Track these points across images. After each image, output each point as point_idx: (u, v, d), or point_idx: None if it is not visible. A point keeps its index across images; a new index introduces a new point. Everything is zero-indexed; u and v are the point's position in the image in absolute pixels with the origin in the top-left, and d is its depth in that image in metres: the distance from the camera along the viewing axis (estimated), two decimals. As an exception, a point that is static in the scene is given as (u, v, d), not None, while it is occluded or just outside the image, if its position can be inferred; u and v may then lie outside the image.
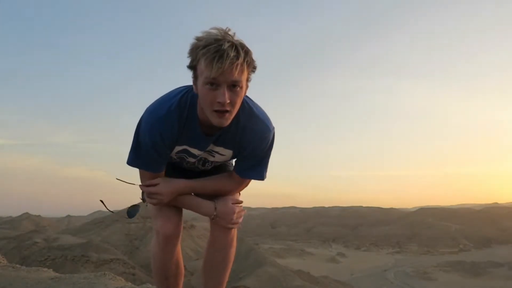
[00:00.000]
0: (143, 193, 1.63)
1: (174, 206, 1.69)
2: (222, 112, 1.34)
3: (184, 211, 1.75)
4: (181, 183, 1.59)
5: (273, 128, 1.55)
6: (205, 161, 1.65)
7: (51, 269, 3.28)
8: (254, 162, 1.58)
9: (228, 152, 1.59)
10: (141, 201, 1.67)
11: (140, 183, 1.62)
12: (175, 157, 1.62)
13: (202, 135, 1.50)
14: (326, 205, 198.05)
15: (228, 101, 1.32)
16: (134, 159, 1.53)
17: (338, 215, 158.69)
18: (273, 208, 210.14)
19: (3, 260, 3.51)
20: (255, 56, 1.34)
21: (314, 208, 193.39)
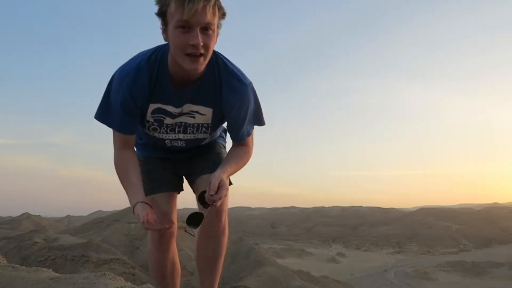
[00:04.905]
0: (203, 200, 1.43)
1: (167, 204, 1.68)
2: (195, 56, 1.29)
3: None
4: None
5: (250, 83, 1.49)
6: (186, 126, 1.56)
7: (51, 269, 3.27)
8: (247, 121, 1.53)
9: (208, 111, 1.52)
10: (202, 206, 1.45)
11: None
12: (152, 121, 1.53)
13: (174, 90, 1.44)
14: (326, 205, 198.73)
15: (201, 44, 1.27)
16: (102, 115, 1.49)
17: (338, 215, 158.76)
18: (273, 208, 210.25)
19: (3, 260, 3.50)
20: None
21: (314, 208, 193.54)
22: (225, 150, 1.80)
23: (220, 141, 1.82)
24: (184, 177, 1.81)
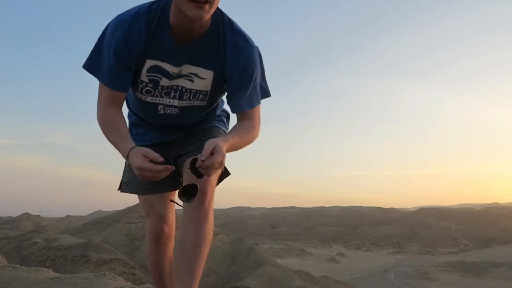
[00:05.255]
0: (195, 169, 1.20)
1: (166, 204, 1.61)
2: (200, 2, 1.18)
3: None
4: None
5: (256, 47, 1.37)
6: (182, 91, 1.40)
7: (51, 269, 3.26)
8: (252, 87, 1.38)
9: (208, 75, 1.37)
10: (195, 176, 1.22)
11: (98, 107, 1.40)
12: (146, 81, 1.38)
13: (175, 45, 1.31)
14: (326, 205, 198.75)
15: None
16: (91, 65, 1.33)
17: (338, 215, 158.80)
18: (273, 208, 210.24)
19: (3, 260, 3.49)
20: None
21: (314, 208, 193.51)
22: None
23: (220, 125, 1.64)
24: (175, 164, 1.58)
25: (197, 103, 1.45)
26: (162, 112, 1.46)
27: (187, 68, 1.35)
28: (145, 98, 1.43)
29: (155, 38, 1.30)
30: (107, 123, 1.34)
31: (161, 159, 1.19)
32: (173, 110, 1.45)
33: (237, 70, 1.33)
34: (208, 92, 1.42)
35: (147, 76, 1.36)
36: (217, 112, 1.63)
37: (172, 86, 1.39)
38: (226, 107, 1.56)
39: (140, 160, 1.18)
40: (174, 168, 1.19)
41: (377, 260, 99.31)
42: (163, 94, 1.41)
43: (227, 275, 42.29)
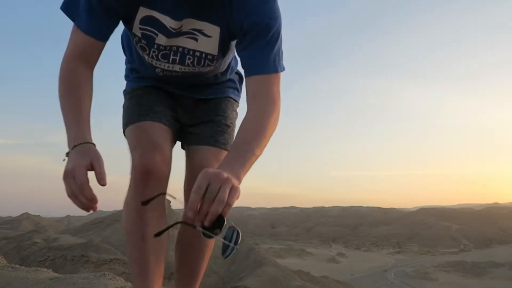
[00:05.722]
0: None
1: (158, 133, 1.19)
2: None
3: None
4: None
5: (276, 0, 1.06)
6: (183, 53, 1.13)
7: (51, 269, 3.25)
8: (269, 46, 1.05)
9: (215, 31, 1.09)
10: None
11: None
12: (139, 35, 1.11)
13: None
14: (326, 205, 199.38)
15: None
16: (69, 5, 1.04)
17: (338, 215, 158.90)
18: (273, 208, 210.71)
19: (3, 260, 3.49)
20: None
21: (314, 208, 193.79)
22: (235, 122, 1.36)
23: (234, 95, 1.39)
24: (181, 134, 1.34)
25: (203, 69, 1.18)
26: (161, 74, 1.22)
27: (189, 23, 1.07)
28: (142, 54, 1.18)
29: None
30: (69, 87, 1.02)
31: (103, 183, 0.87)
32: (174, 73, 1.20)
33: (247, 22, 1.03)
34: (216, 56, 1.15)
35: (140, 29, 1.09)
36: (229, 76, 1.36)
37: (171, 46, 1.12)
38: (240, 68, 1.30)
39: (80, 166, 0.87)
40: (97, 209, 0.89)
41: (377, 260, 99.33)
42: (160, 57, 1.15)
43: (227, 275, 42.30)
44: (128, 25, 1.10)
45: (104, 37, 1.05)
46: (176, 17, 1.05)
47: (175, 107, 1.31)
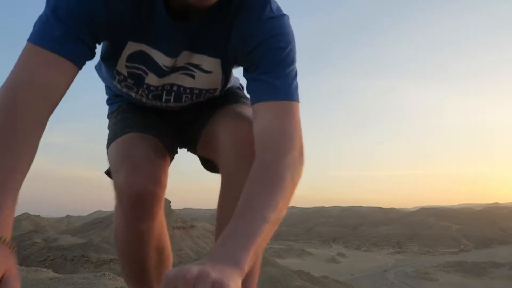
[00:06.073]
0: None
1: (145, 150, 0.94)
2: None
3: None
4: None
5: (286, 15, 0.86)
6: (179, 92, 0.95)
7: (51, 269, 3.25)
8: (275, 69, 0.82)
9: (214, 65, 0.90)
10: None
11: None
12: (124, 74, 0.91)
13: (171, 24, 0.81)
14: (326, 205, 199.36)
15: None
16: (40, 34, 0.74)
17: (338, 215, 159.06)
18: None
19: (2, 260, 3.48)
20: None
21: (314, 208, 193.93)
22: (246, 104, 1.04)
23: (239, 91, 1.15)
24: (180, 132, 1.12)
25: (202, 99, 1.00)
26: (152, 104, 1.02)
27: (185, 57, 0.89)
28: (127, 91, 0.98)
29: (142, 11, 0.81)
30: (1, 131, 0.65)
31: None
32: (169, 108, 1.03)
33: (251, 44, 0.83)
34: (217, 89, 0.98)
35: (127, 67, 0.89)
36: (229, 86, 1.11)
37: (163, 85, 0.94)
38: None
39: None
40: None
41: (377, 260, 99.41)
42: (150, 97, 0.97)
43: (227, 275, 42.29)
44: (110, 61, 0.90)
45: (81, 61, 0.77)
46: (170, 52, 0.86)
47: (169, 119, 1.08)
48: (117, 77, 0.93)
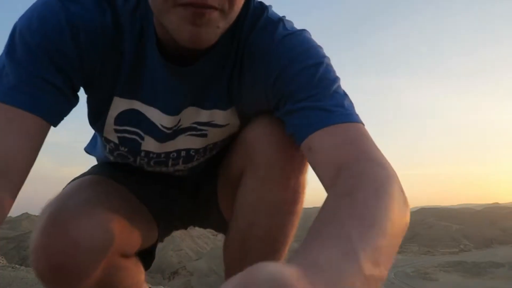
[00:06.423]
0: None
1: (122, 195, 0.76)
2: (200, 8, 0.50)
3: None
4: None
5: (305, 30, 0.68)
6: (189, 156, 0.76)
7: (51, 269, 3.28)
8: (316, 96, 0.60)
9: (230, 116, 0.71)
10: None
11: None
12: (115, 141, 0.72)
13: (166, 67, 0.62)
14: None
15: None
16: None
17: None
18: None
19: (2, 260, 3.49)
20: None
21: (314, 208, 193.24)
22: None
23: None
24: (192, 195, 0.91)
25: (215, 151, 0.81)
26: (155, 170, 0.82)
27: (191, 115, 0.69)
28: (122, 160, 0.79)
29: (127, 55, 0.62)
30: None
31: None
32: (176, 173, 0.84)
33: (269, 79, 0.63)
34: (234, 135, 0.77)
35: (116, 131, 0.69)
36: None
37: (168, 154, 0.75)
38: None
39: None
40: None
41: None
42: (152, 164, 0.77)
43: (227, 275, 42.29)
44: (96, 125, 0.70)
45: (53, 113, 0.57)
46: (169, 109, 0.66)
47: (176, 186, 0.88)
48: (107, 146, 0.73)
